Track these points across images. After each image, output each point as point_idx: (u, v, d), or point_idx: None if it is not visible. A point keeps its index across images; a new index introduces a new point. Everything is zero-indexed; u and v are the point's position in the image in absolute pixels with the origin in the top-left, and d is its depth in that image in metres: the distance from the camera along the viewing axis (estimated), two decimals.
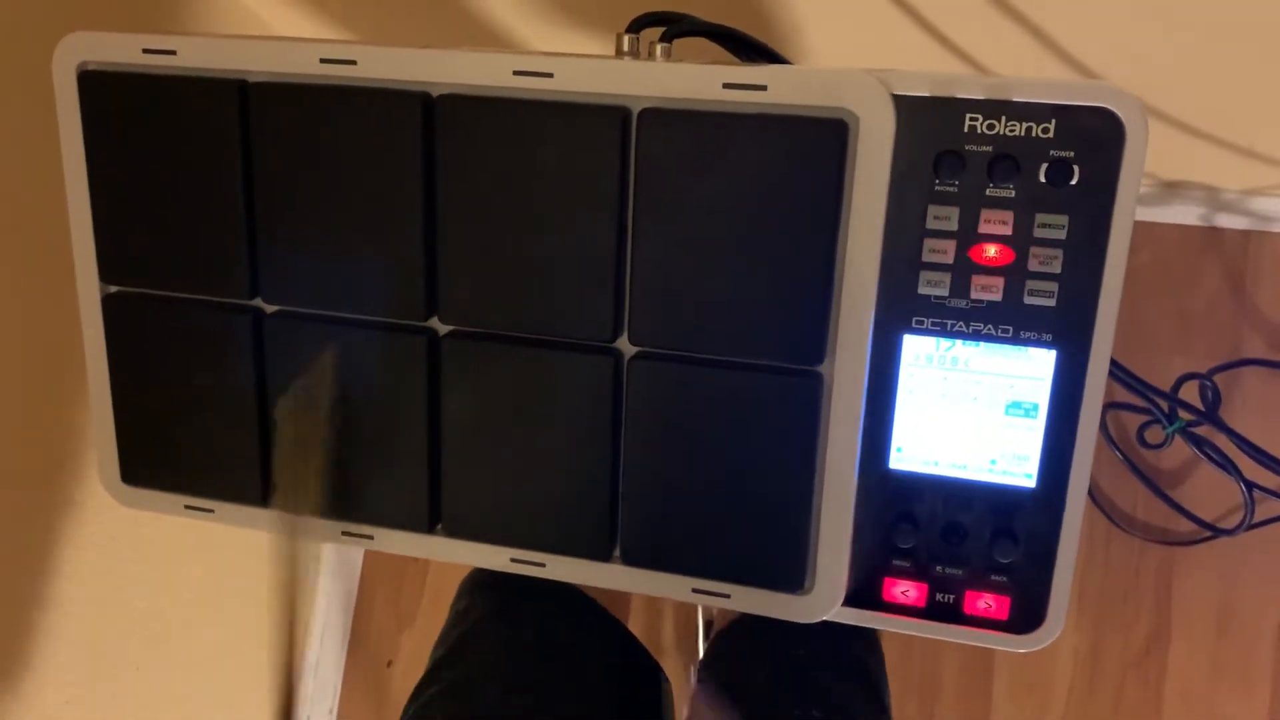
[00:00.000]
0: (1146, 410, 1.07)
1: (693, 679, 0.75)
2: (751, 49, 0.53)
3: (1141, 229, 1.17)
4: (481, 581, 0.72)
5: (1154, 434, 1.12)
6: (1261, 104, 0.85)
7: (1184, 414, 0.96)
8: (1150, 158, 1.03)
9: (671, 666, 1.28)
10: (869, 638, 0.73)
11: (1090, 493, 1.16)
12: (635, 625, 1.28)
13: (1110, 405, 1.14)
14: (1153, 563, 1.19)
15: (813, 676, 0.66)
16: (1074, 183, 0.45)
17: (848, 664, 0.68)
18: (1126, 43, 0.75)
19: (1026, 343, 0.47)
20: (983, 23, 0.73)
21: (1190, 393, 1.07)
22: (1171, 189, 1.13)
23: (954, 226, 0.46)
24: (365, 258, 0.52)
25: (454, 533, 0.55)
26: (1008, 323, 0.47)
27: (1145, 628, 1.19)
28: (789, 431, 0.49)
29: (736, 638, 0.73)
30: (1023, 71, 0.79)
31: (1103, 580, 1.20)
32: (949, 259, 0.46)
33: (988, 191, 0.45)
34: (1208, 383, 1.07)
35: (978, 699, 1.23)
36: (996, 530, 0.49)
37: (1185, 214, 1.16)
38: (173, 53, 0.52)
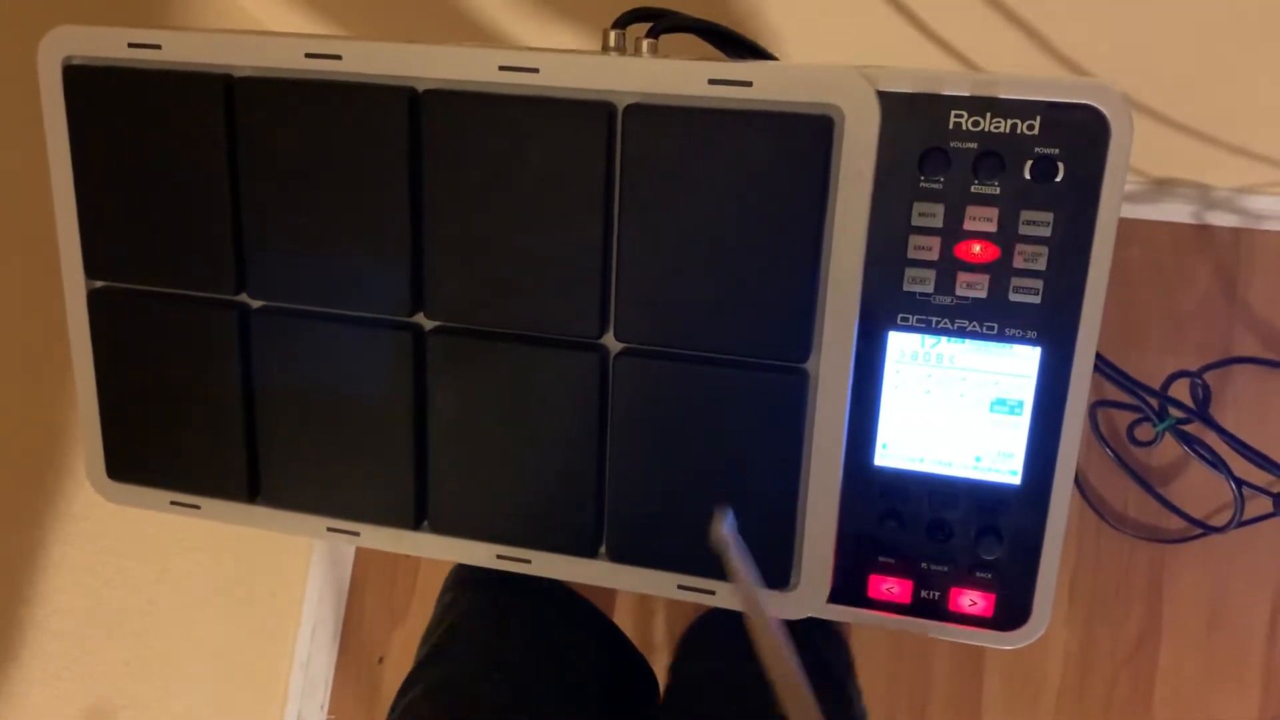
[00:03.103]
0: (1137, 408, 1.07)
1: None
2: (738, 45, 0.53)
3: (1132, 227, 1.17)
4: (466, 577, 0.72)
5: (1144, 432, 1.12)
6: (1252, 101, 0.85)
7: (1175, 412, 0.96)
8: (1141, 155, 1.04)
9: (663, 665, 1.28)
10: (833, 634, 0.73)
11: (1080, 490, 1.17)
12: (627, 622, 1.28)
13: (1101, 403, 1.15)
14: (1143, 560, 1.19)
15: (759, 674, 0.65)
16: (1059, 179, 0.45)
17: (809, 662, 0.68)
18: (1116, 40, 0.75)
19: (1011, 339, 0.47)
20: (971, 19, 0.73)
21: (1181, 390, 1.08)
22: (1162, 187, 1.13)
23: (939, 223, 0.46)
24: (351, 253, 0.51)
25: (440, 529, 0.55)
26: (993, 319, 0.47)
27: (1136, 625, 1.19)
28: (774, 428, 0.49)
29: (705, 631, 0.73)
30: (1010, 69, 0.79)
31: (1093, 578, 1.20)
32: (934, 256, 0.46)
33: (973, 188, 0.45)
34: (1198, 380, 1.07)
35: (968, 698, 1.23)
36: (981, 527, 0.49)
37: (1176, 212, 1.16)
38: (158, 47, 0.52)
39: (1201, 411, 1.00)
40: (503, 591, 0.68)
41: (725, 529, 0.44)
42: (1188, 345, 1.16)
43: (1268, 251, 1.15)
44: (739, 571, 0.43)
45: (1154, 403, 0.96)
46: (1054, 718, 1.21)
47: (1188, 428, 0.99)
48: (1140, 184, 1.14)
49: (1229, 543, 1.15)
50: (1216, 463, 0.97)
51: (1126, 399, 1.05)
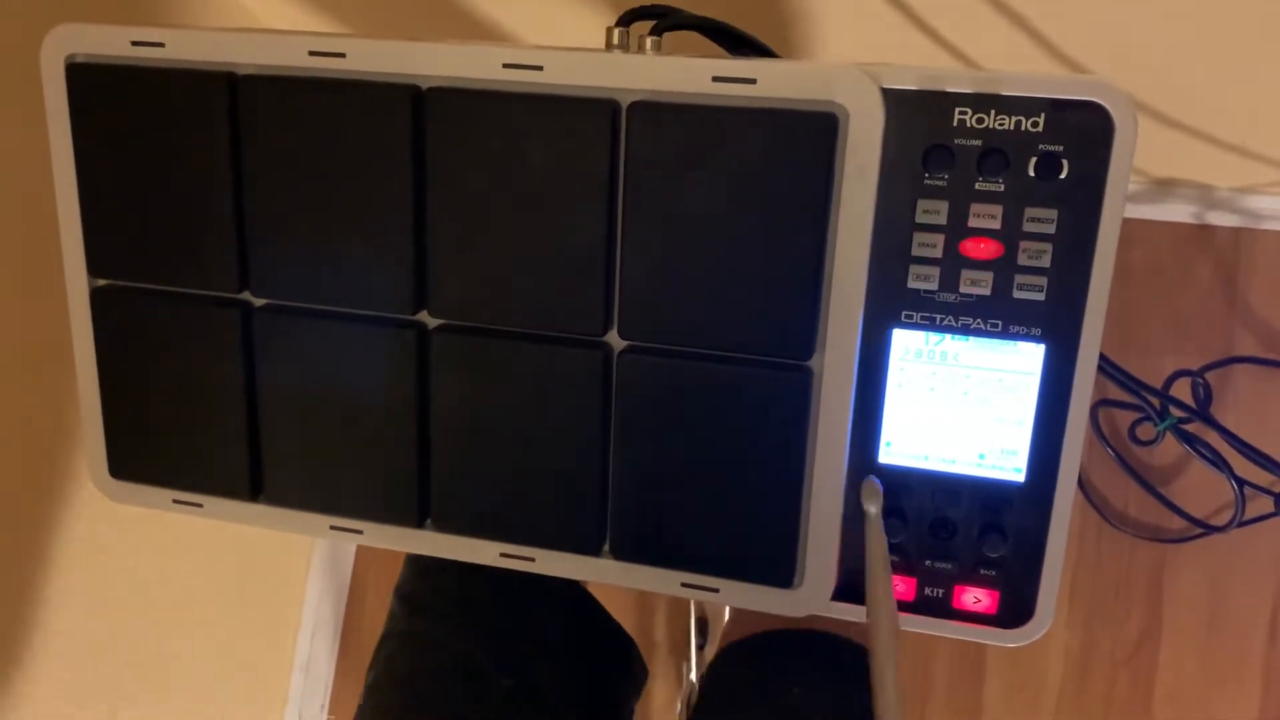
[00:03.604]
0: (1138, 407, 1.07)
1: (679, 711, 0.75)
2: (741, 43, 0.53)
3: (1134, 226, 1.17)
4: None
5: (1146, 431, 1.12)
6: (1254, 101, 0.85)
7: (1176, 411, 0.96)
8: (1142, 155, 1.04)
9: (663, 664, 1.28)
10: None
11: (1082, 489, 1.17)
12: (627, 622, 1.28)
13: (1102, 402, 1.15)
14: (1144, 560, 1.19)
15: (796, 701, 0.63)
16: (1063, 177, 0.45)
17: (854, 716, 0.65)
18: (1119, 39, 0.75)
19: (1015, 337, 0.47)
20: (974, 18, 0.73)
21: (1182, 390, 1.08)
22: (1164, 186, 1.13)
23: (943, 220, 0.46)
24: (354, 251, 0.51)
25: (443, 528, 0.55)
26: (997, 317, 0.47)
27: (1136, 625, 1.19)
28: (778, 426, 0.49)
29: (728, 670, 0.72)
30: (1014, 67, 0.79)
31: (1094, 577, 1.20)
32: (938, 253, 0.46)
33: (977, 185, 0.45)
34: (1199, 380, 1.07)
35: (969, 697, 1.23)
36: (985, 525, 0.49)
37: (1177, 211, 1.16)
38: (161, 45, 0.52)
39: (1202, 411, 1.00)
40: None
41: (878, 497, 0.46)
42: (1189, 345, 1.16)
43: (1268, 251, 1.15)
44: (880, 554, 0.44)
45: (1155, 402, 0.96)
46: (1054, 717, 1.21)
47: (1189, 427, 0.99)
48: (1141, 184, 1.14)
49: (1230, 542, 1.15)
50: (1217, 462, 0.97)
51: (1128, 398, 1.05)
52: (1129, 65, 0.79)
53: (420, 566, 0.72)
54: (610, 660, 0.74)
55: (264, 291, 0.54)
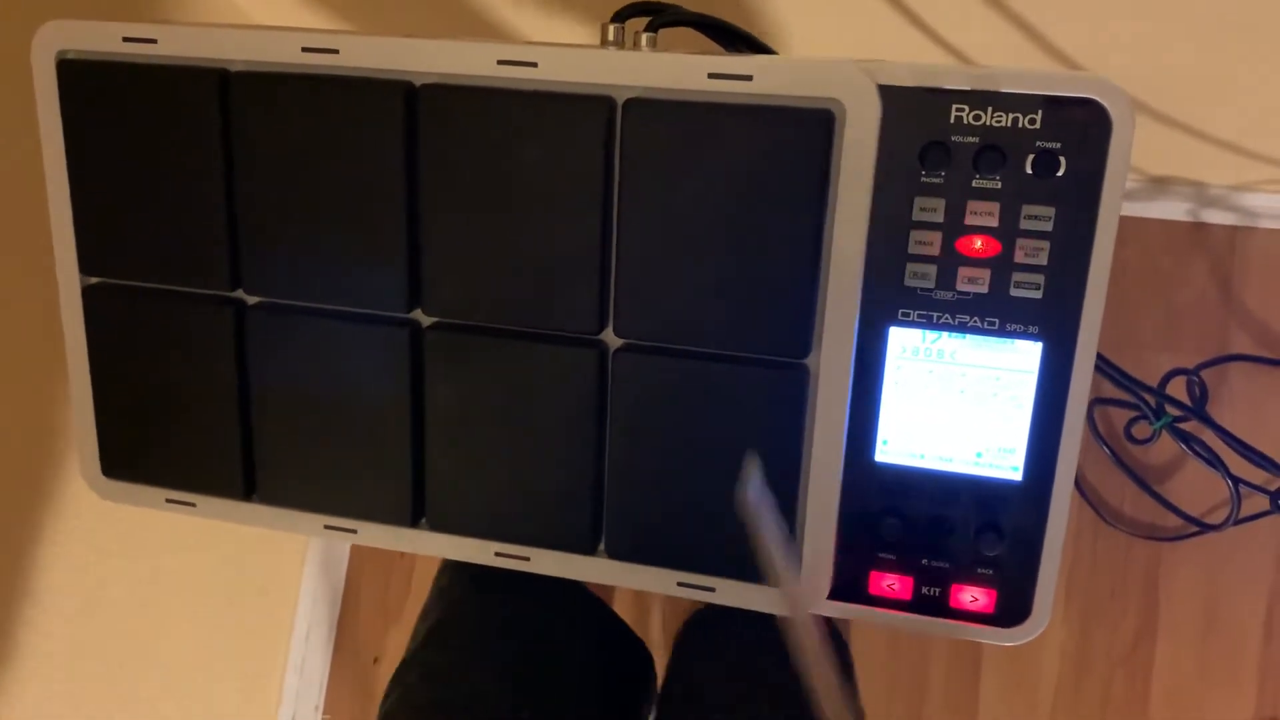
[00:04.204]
0: (1134, 406, 1.07)
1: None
2: (737, 39, 0.53)
3: (1129, 224, 1.17)
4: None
5: (1141, 429, 1.12)
6: (1250, 99, 0.85)
7: (1171, 409, 0.96)
8: (1138, 153, 1.04)
9: (661, 661, 1.28)
10: (833, 633, 0.73)
11: (1078, 488, 1.17)
12: (623, 618, 1.28)
13: (1098, 400, 1.15)
14: (1140, 558, 1.19)
15: (762, 670, 0.65)
16: (1060, 174, 0.44)
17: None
18: (1113, 37, 0.75)
19: (1013, 335, 0.46)
20: (970, 15, 0.73)
21: (1178, 388, 1.08)
22: (1159, 184, 1.13)
23: (940, 218, 0.46)
24: (348, 249, 0.51)
25: (438, 527, 0.54)
26: (994, 315, 0.46)
27: (1132, 623, 1.19)
28: (774, 424, 0.48)
29: (696, 633, 0.73)
30: (1012, 63, 0.79)
31: (1090, 576, 1.20)
32: (935, 251, 0.46)
33: (974, 183, 0.45)
34: (1195, 378, 1.07)
35: (965, 696, 1.23)
36: (982, 523, 0.49)
37: (1173, 209, 1.16)
38: (153, 41, 0.51)
39: (1198, 409, 1.00)
40: (497, 575, 0.69)
41: (752, 492, 0.43)
42: (1184, 343, 1.16)
43: (1264, 249, 1.15)
44: (768, 544, 0.41)
45: (1151, 400, 0.96)
46: (1050, 716, 1.21)
47: (1185, 425, 0.99)
48: (1137, 182, 1.14)
49: (1225, 541, 1.15)
50: (1213, 460, 0.97)
51: (1124, 396, 1.05)
52: (1124, 62, 0.79)
53: (440, 589, 0.71)
54: (629, 678, 0.73)
55: (257, 289, 0.53)
